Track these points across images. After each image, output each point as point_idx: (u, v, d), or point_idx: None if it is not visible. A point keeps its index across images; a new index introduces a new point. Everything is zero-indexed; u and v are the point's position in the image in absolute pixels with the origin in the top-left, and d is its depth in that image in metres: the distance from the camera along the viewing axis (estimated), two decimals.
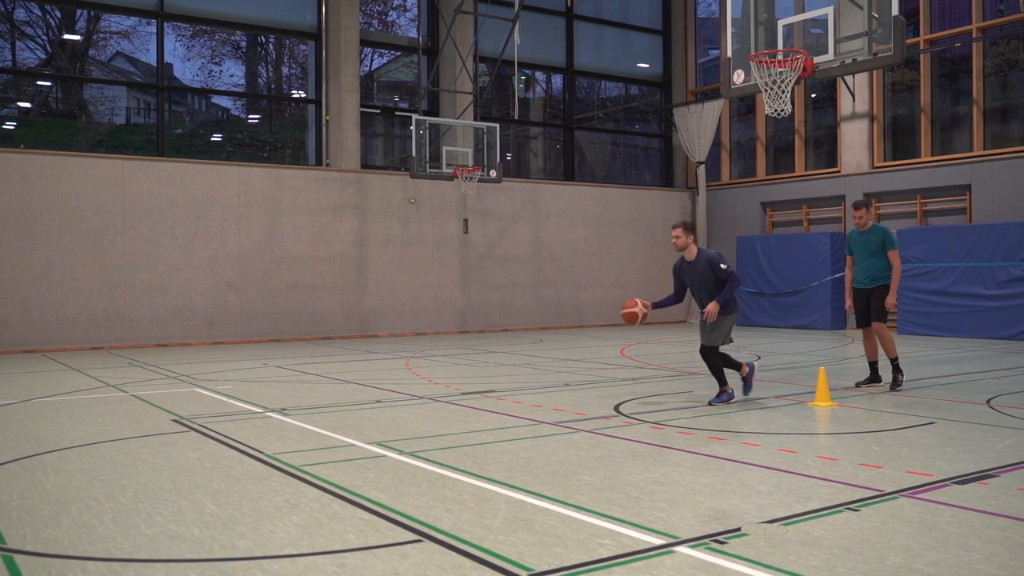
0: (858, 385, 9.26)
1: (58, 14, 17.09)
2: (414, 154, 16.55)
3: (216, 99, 19.28)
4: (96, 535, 4.25)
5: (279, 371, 11.58)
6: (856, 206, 9.16)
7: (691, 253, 8.16)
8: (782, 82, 8.67)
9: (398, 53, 20.55)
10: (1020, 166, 16.41)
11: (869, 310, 9.13)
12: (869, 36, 8.27)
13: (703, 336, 8.24)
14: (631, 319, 8.04)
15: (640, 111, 23.87)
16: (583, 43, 22.35)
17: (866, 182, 18.73)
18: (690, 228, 8.22)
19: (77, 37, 17.45)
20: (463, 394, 9.06)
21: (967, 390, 9.09)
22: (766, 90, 8.78)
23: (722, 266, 8.00)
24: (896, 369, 9.05)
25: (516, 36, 16.83)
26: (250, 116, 19.39)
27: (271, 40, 19.33)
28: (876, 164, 18.75)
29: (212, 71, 18.47)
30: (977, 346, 14.56)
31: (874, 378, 9.24)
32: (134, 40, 17.68)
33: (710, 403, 8.21)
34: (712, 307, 7.90)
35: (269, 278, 17.07)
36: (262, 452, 6.18)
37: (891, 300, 8.90)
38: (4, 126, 16.60)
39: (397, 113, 20.29)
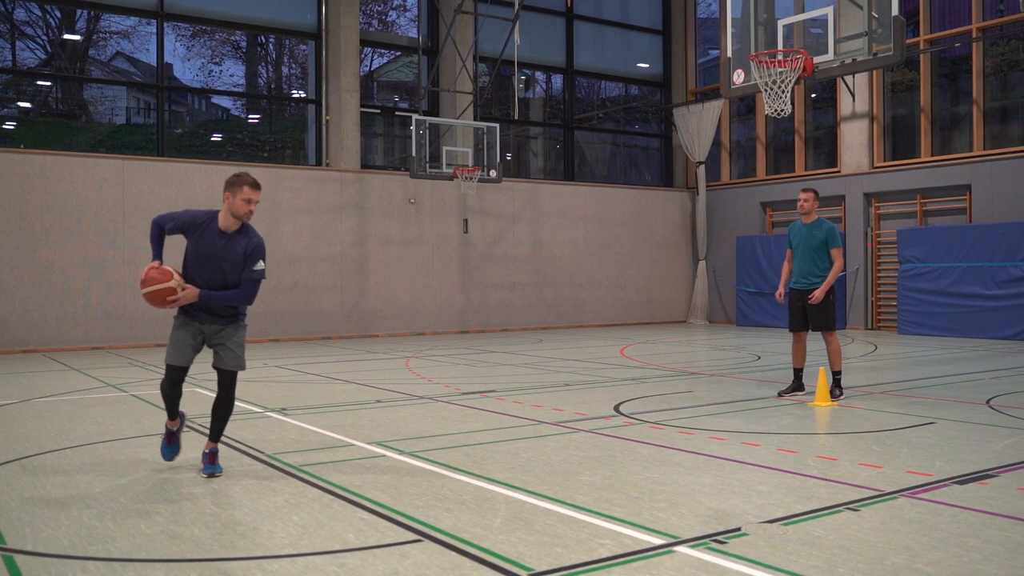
0: (780, 395, 8.65)
1: (58, 14, 17.08)
2: (414, 154, 16.54)
3: (216, 99, 19.27)
4: (96, 535, 4.25)
5: (279, 371, 11.58)
6: (804, 189, 8.67)
7: (231, 225, 5.64)
8: (782, 82, 8.67)
9: (398, 53, 20.55)
10: (1020, 166, 16.40)
11: (804, 314, 8.51)
12: (869, 36, 8.27)
13: (224, 359, 5.48)
14: (158, 297, 5.45)
15: (640, 111, 23.86)
16: (583, 43, 22.34)
17: (866, 182, 18.72)
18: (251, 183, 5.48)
19: (77, 37, 17.44)
20: (463, 394, 9.05)
21: (967, 390, 9.09)
22: (766, 90, 8.78)
23: (259, 264, 5.46)
24: (836, 384, 8.45)
25: (516, 36, 16.82)
26: (250, 116, 19.38)
27: (271, 40, 19.33)
28: (876, 164, 18.75)
29: (212, 71, 18.47)
30: (977, 346, 14.55)
31: (797, 386, 8.67)
32: (134, 40, 17.68)
33: (203, 471, 5.45)
34: (189, 292, 5.44)
35: (269, 278, 16.96)
36: (262, 452, 6.18)
37: (818, 293, 8.27)
38: (4, 126, 16.59)
39: (397, 113, 20.28)
